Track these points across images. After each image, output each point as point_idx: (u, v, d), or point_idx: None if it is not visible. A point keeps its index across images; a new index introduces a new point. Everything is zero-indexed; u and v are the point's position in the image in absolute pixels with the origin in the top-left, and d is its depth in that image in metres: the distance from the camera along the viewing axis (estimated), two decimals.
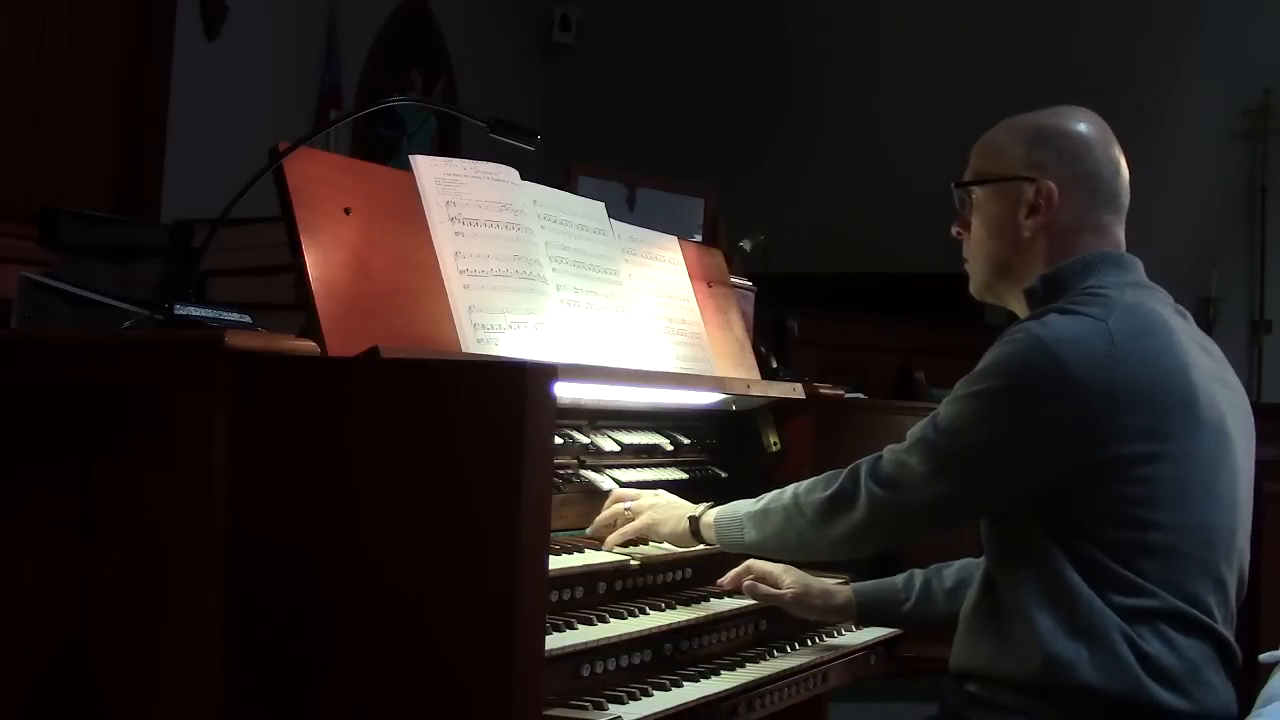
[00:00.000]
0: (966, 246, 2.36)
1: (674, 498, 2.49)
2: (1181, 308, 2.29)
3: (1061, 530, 2.10)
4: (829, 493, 2.25)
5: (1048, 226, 2.25)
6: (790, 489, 2.32)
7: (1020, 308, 2.29)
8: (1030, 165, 2.26)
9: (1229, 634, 2.17)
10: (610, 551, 2.36)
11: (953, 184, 2.36)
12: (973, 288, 2.38)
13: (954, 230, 2.37)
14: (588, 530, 2.45)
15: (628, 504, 2.45)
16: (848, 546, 2.29)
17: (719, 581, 2.50)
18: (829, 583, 2.57)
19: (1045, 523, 2.11)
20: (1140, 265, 2.28)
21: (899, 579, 2.58)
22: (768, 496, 2.36)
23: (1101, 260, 2.24)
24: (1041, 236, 2.26)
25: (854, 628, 2.65)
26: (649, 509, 2.43)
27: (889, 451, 2.22)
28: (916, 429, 2.20)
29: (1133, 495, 2.08)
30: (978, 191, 2.32)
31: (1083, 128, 2.29)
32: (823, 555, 2.41)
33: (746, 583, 2.48)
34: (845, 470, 2.26)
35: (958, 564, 2.52)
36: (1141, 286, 2.24)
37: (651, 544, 2.44)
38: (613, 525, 2.44)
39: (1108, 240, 2.27)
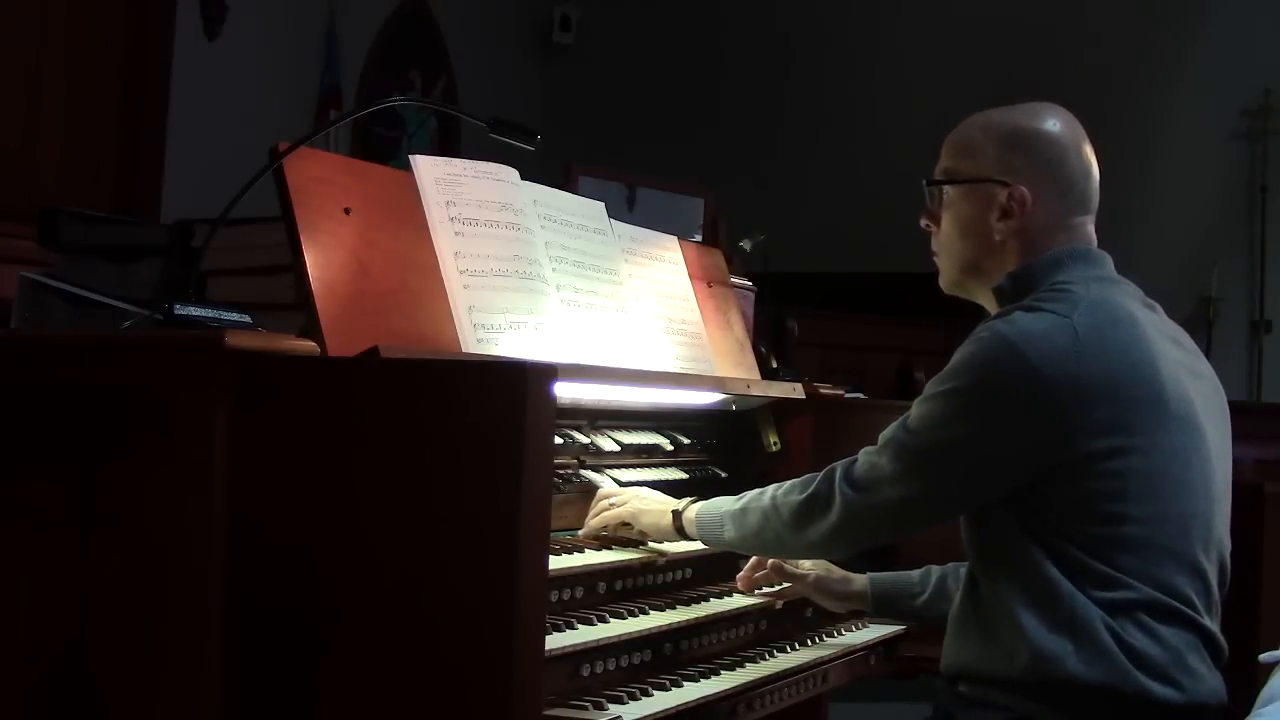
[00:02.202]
0: (935, 240, 2.37)
1: (657, 493, 2.50)
2: (1151, 301, 2.29)
3: (1037, 528, 2.11)
4: (804, 495, 2.26)
5: (1019, 230, 2.25)
6: (769, 490, 2.33)
7: (989, 303, 2.30)
8: (1004, 169, 2.26)
9: (1212, 624, 2.17)
10: (601, 549, 2.36)
11: (924, 181, 2.35)
12: (942, 282, 2.39)
13: (922, 223, 2.37)
14: (580, 531, 2.45)
15: (612, 498, 2.46)
16: (824, 547, 2.31)
17: (737, 578, 2.52)
18: (846, 571, 2.60)
19: (1021, 521, 2.12)
20: (1109, 260, 2.28)
21: (915, 573, 2.59)
22: (748, 495, 2.37)
23: (1069, 256, 2.24)
24: (1013, 239, 2.26)
25: (855, 627, 2.65)
26: (632, 498, 2.45)
27: (863, 454, 2.23)
28: (888, 430, 2.20)
29: (1104, 490, 2.08)
30: (949, 189, 2.32)
31: (1057, 129, 2.28)
32: (800, 555, 2.45)
33: (771, 563, 2.50)
34: (821, 473, 2.26)
35: None
36: (1108, 280, 2.24)
37: (650, 541, 2.44)
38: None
39: (1078, 238, 2.27)
